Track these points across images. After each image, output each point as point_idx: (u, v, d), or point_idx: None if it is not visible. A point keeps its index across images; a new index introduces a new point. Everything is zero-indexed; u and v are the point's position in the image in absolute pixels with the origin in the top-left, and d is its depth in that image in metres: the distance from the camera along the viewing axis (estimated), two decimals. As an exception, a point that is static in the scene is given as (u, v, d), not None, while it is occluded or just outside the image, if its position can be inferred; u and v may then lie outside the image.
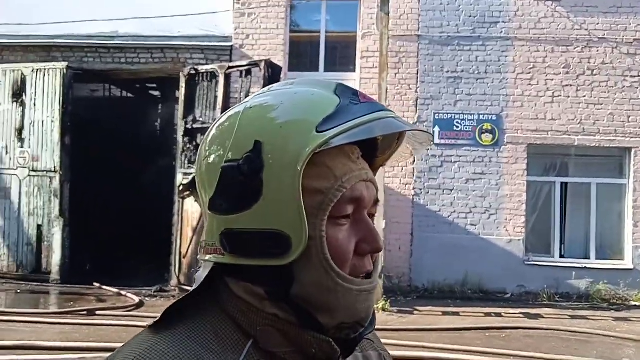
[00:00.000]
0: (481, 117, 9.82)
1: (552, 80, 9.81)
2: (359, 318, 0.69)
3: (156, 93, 13.38)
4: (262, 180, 0.64)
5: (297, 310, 0.67)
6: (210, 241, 0.69)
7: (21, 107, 9.94)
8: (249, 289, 0.68)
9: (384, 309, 7.78)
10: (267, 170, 0.64)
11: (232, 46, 10.14)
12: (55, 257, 9.60)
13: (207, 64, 9.62)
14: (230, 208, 0.66)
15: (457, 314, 7.96)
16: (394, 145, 0.77)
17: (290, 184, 0.64)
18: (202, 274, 0.71)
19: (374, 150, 0.76)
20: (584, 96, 9.76)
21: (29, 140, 9.87)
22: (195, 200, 7.87)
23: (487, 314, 7.97)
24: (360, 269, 0.69)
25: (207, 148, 0.71)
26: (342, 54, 10.89)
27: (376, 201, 0.72)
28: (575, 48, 9.81)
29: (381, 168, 0.80)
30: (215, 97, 8.62)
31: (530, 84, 9.83)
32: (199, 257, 0.74)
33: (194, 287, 0.70)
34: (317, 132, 0.64)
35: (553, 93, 9.80)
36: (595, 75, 9.76)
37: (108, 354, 0.69)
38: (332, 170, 0.67)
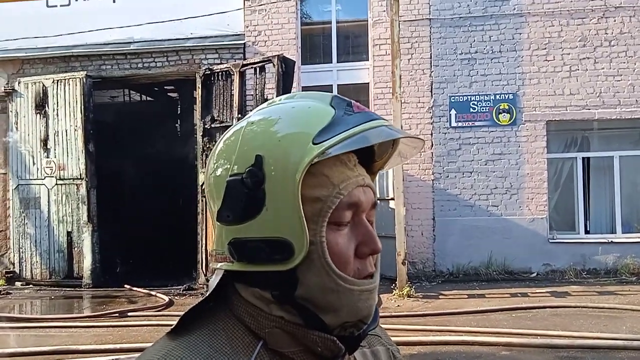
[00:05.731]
0: (497, 97, 9.74)
1: (569, 54, 9.66)
2: (361, 316, 0.73)
3: (174, 95, 13.53)
4: (264, 191, 0.68)
5: (302, 312, 0.71)
6: (220, 250, 0.74)
7: (44, 118, 10.18)
8: (257, 294, 0.74)
9: (409, 295, 7.81)
10: (269, 182, 0.68)
11: (244, 44, 10.21)
12: (86, 262, 9.84)
13: (221, 63, 9.71)
14: (236, 219, 0.70)
15: (482, 296, 7.94)
16: (390, 150, 0.81)
17: (291, 194, 0.67)
18: (213, 281, 0.76)
19: (372, 156, 0.81)
20: (602, 68, 9.59)
21: (54, 149, 10.11)
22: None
23: (513, 295, 7.93)
24: (363, 272, 0.73)
25: (214, 161, 0.74)
26: (354, 43, 10.85)
27: (374, 205, 0.76)
28: (591, 20, 9.63)
29: None
30: (232, 95, 8.69)
31: (546, 60, 9.69)
32: (210, 265, 0.79)
33: (207, 294, 0.76)
34: (314, 143, 0.68)
35: (570, 67, 9.65)
36: (613, 46, 9.58)
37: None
38: (329, 179, 0.71)
